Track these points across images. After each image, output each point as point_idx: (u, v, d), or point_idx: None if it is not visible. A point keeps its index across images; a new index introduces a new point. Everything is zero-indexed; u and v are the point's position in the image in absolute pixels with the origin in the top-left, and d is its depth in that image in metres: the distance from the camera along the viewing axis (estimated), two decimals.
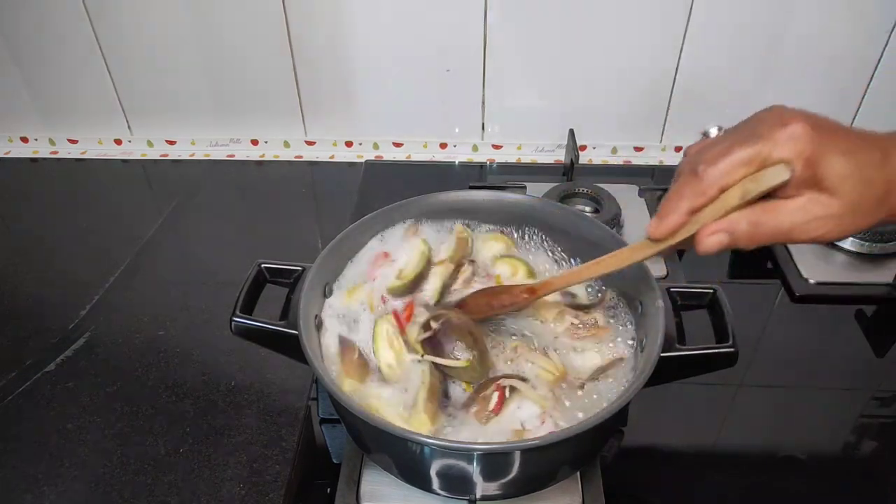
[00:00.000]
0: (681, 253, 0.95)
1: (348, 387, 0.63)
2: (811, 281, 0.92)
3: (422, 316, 0.68)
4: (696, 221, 0.51)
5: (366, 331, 0.67)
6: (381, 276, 0.72)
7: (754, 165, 0.49)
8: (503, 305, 0.67)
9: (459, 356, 0.62)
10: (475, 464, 0.56)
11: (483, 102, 1.15)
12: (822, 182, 0.48)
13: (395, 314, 0.68)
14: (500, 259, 0.75)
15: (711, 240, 0.50)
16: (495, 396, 0.61)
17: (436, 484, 0.60)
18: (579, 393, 0.62)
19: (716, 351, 0.63)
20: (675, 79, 1.09)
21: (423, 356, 0.64)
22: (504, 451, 0.56)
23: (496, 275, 0.74)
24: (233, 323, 0.65)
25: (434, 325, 0.64)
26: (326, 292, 0.70)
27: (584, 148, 1.16)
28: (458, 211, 0.80)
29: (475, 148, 1.21)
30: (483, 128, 1.19)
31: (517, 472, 0.57)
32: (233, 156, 1.23)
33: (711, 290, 0.68)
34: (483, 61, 1.10)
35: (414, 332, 0.66)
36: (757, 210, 0.50)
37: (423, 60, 1.10)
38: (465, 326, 0.64)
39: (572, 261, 0.77)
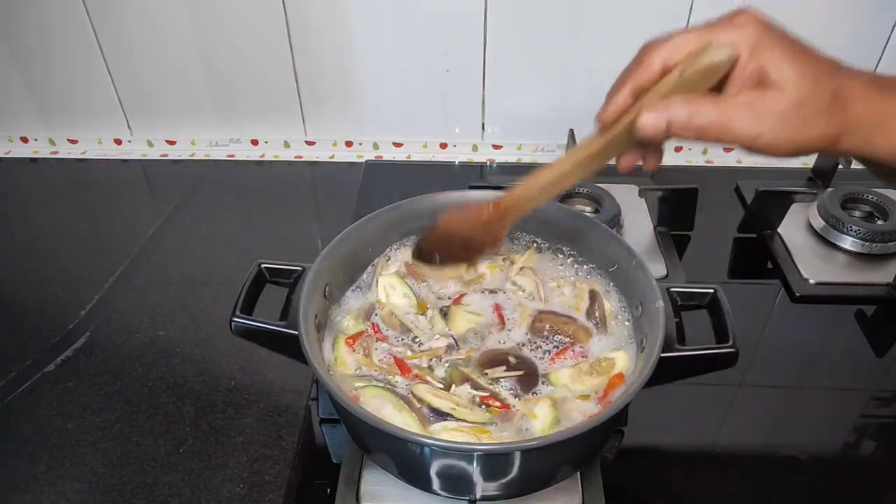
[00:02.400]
0: (681, 253, 0.95)
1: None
2: (811, 281, 0.92)
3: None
4: (639, 105, 0.50)
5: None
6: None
7: (698, 45, 0.49)
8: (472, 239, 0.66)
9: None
10: (475, 464, 0.56)
11: (483, 102, 1.15)
12: (766, 77, 0.47)
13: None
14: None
15: (647, 118, 0.48)
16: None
17: (436, 484, 0.60)
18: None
19: (716, 351, 0.63)
20: None
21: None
22: (504, 451, 0.56)
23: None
24: (233, 323, 0.65)
25: None
26: (326, 293, 0.70)
27: None
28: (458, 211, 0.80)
29: (475, 148, 1.21)
30: (483, 128, 1.19)
31: (517, 472, 0.57)
32: (233, 156, 1.23)
33: (711, 290, 0.68)
34: (483, 61, 1.10)
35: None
36: (697, 96, 0.48)
37: (423, 60, 1.10)
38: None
39: (573, 261, 0.77)
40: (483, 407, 0.62)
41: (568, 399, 0.63)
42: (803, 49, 0.48)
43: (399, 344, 0.69)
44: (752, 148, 0.48)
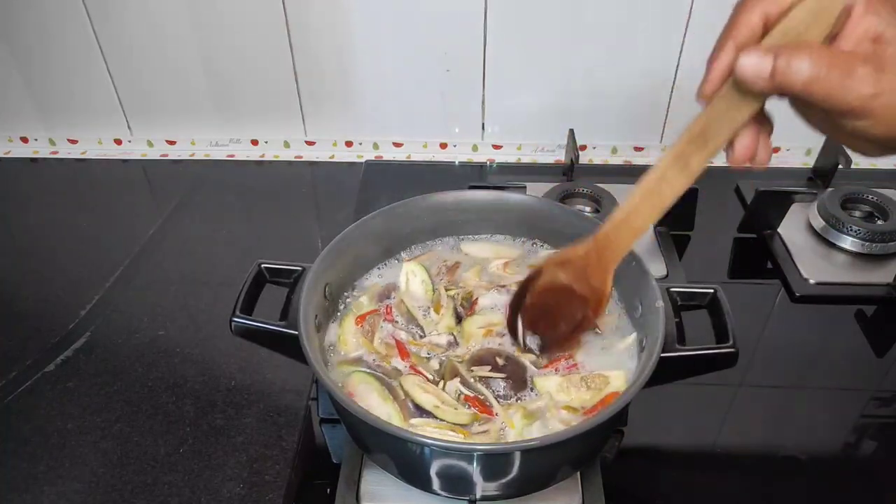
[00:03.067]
0: (681, 253, 0.95)
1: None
2: (811, 281, 0.92)
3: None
4: None
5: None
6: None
7: None
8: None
9: None
10: (475, 464, 0.56)
11: (483, 102, 1.15)
12: (882, 36, 0.41)
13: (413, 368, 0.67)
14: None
15: (749, 59, 0.41)
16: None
17: (436, 484, 0.60)
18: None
19: (716, 351, 0.63)
20: (675, 78, 1.09)
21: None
22: (504, 451, 0.56)
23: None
24: (233, 323, 0.65)
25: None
26: (326, 293, 0.70)
27: (584, 148, 1.16)
28: (458, 211, 0.80)
29: (475, 148, 1.21)
30: (483, 128, 1.19)
31: (517, 472, 0.57)
32: (233, 156, 1.23)
33: (711, 290, 0.68)
34: (483, 61, 1.10)
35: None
36: (809, 42, 0.41)
37: (423, 60, 1.10)
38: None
39: None
40: (467, 406, 0.62)
41: (549, 409, 0.62)
42: None
43: (404, 329, 0.70)
44: (862, 112, 0.41)
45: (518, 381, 0.65)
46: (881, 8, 0.41)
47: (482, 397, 0.63)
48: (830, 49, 0.42)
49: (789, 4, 0.42)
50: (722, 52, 0.45)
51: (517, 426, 0.60)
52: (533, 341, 0.66)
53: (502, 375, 0.64)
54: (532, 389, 0.65)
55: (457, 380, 0.64)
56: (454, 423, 0.60)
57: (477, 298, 0.73)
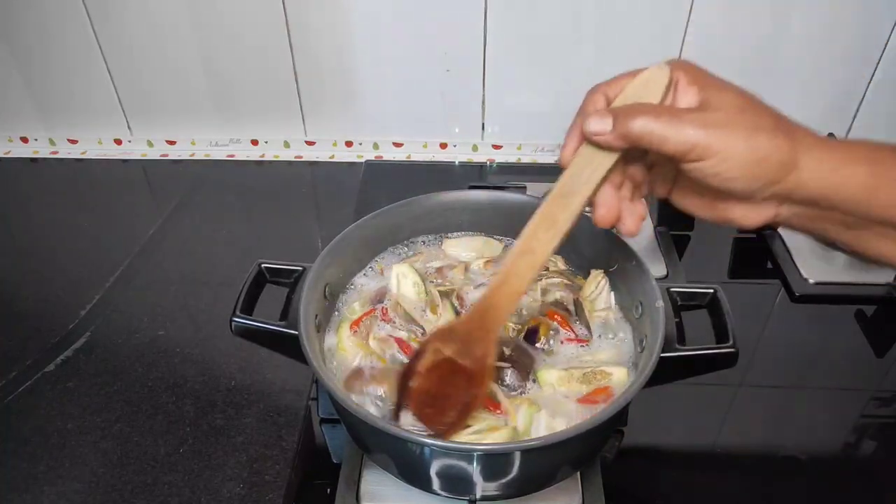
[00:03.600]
0: (681, 253, 0.95)
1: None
2: (811, 281, 0.92)
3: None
4: None
5: None
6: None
7: (636, 74, 0.51)
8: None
9: None
10: (475, 464, 0.56)
11: (483, 102, 1.15)
12: (708, 103, 0.48)
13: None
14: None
15: (594, 118, 0.50)
16: None
17: (436, 484, 0.60)
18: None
19: (716, 351, 0.63)
20: None
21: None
22: (504, 451, 0.56)
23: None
24: (233, 323, 0.65)
25: None
26: (326, 293, 0.70)
27: None
28: (458, 211, 0.80)
29: (475, 148, 1.21)
30: (483, 128, 1.19)
31: (517, 472, 0.57)
32: (233, 156, 1.23)
33: (711, 290, 0.68)
34: (483, 61, 1.10)
35: None
36: (643, 102, 0.49)
37: (423, 60, 1.10)
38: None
39: (572, 261, 0.77)
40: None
41: (554, 399, 0.63)
42: (738, 90, 0.49)
43: (404, 329, 0.69)
44: (703, 150, 0.46)
45: (524, 371, 0.65)
46: (700, 79, 0.49)
47: (490, 393, 0.62)
48: (662, 105, 0.49)
49: (625, 84, 0.51)
50: (575, 125, 0.53)
51: (520, 419, 0.60)
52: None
53: (507, 365, 0.64)
54: (535, 381, 0.65)
55: None
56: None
57: (463, 297, 0.73)
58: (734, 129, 0.46)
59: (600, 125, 0.49)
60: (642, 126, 0.47)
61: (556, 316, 0.70)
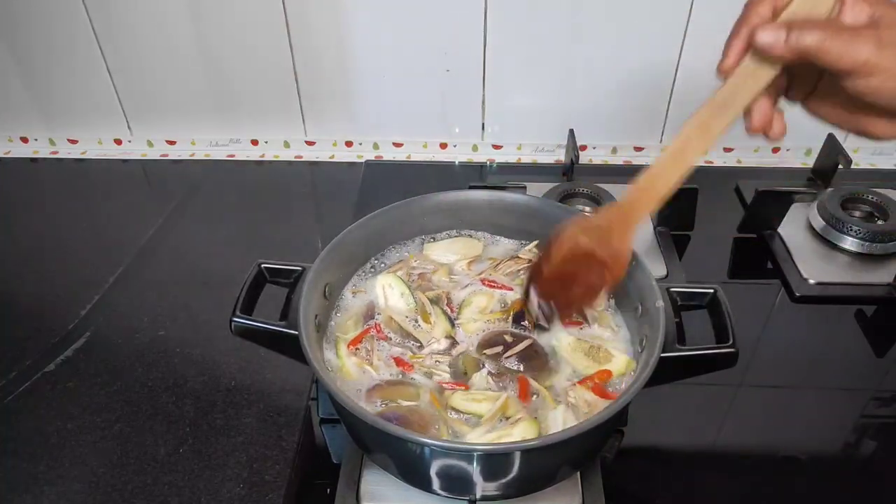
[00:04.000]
0: (681, 253, 0.95)
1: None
2: (811, 281, 0.92)
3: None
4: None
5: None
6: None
7: None
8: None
9: None
10: (475, 464, 0.56)
11: (483, 102, 1.15)
12: (880, 19, 0.47)
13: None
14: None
15: (766, 31, 0.47)
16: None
17: (436, 484, 0.60)
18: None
19: (716, 351, 0.63)
20: (675, 78, 1.09)
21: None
22: (504, 451, 0.56)
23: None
24: (233, 323, 0.65)
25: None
26: (326, 293, 0.70)
27: (584, 148, 1.16)
28: (458, 211, 0.80)
29: (475, 148, 1.21)
30: (483, 128, 1.19)
31: (517, 472, 0.57)
32: (233, 156, 1.23)
33: (711, 290, 0.68)
34: (483, 61, 1.10)
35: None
36: (823, 21, 0.47)
37: (423, 60, 1.10)
38: None
39: None
40: (507, 389, 0.63)
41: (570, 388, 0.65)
42: None
43: (401, 345, 0.69)
44: (871, 68, 0.46)
45: (533, 353, 0.66)
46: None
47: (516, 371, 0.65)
48: (835, 20, 0.48)
49: None
50: (738, 35, 0.50)
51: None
52: (542, 314, 0.67)
53: (517, 351, 0.66)
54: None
55: (484, 370, 0.64)
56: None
57: (452, 300, 0.73)
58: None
59: (773, 37, 0.47)
60: (818, 41, 0.46)
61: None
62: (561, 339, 0.68)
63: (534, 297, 0.66)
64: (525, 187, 1.02)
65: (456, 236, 0.81)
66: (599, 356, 0.66)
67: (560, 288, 0.64)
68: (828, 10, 0.48)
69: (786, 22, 0.48)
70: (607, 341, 0.69)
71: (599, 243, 0.61)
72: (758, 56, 0.49)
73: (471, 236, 0.81)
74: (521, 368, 0.65)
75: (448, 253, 0.78)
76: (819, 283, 0.92)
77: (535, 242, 0.79)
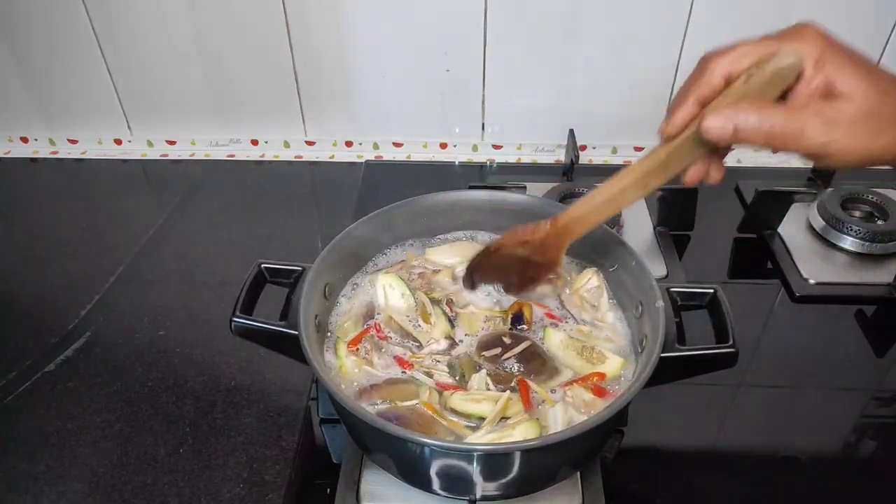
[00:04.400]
0: (681, 253, 0.95)
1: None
2: (811, 281, 0.92)
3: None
4: (703, 114, 0.49)
5: None
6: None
7: (761, 55, 0.48)
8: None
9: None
10: (475, 464, 0.56)
11: (483, 102, 1.15)
12: (833, 88, 0.46)
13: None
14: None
15: (714, 121, 0.47)
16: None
17: (436, 484, 0.60)
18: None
19: (716, 351, 0.63)
20: (675, 78, 1.09)
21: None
22: (504, 451, 0.56)
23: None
24: (233, 323, 0.65)
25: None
26: (326, 293, 0.70)
27: (584, 148, 1.16)
28: (458, 211, 0.80)
29: (475, 148, 1.21)
30: (483, 128, 1.19)
31: (517, 472, 0.57)
32: (233, 156, 1.23)
33: (711, 290, 0.68)
34: (483, 61, 1.10)
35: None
36: (765, 102, 0.48)
37: (423, 60, 1.10)
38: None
39: (571, 261, 0.77)
40: (508, 391, 0.63)
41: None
42: (867, 62, 0.48)
43: (400, 345, 0.69)
44: (821, 156, 0.47)
45: (532, 354, 0.66)
46: (830, 64, 0.47)
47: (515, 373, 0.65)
48: (785, 109, 0.47)
49: (747, 66, 0.48)
50: (685, 101, 0.50)
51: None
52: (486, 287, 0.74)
53: (515, 352, 0.66)
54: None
55: (483, 372, 0.64)
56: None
57: (450, 299, 0.73)
58: (860, 127, 0.46)
59: (720, 128, 0.47)
60: (767, 135, 0.47)
61: (539, 305, 0.72)
62: (553, 336, 0.68)
63: (474, 280, 0.72)
64: (525, 187, 1.02)
65: (456, 240, 0.81)
66: (593, 357, 0.66)
67: (499, 276, 0.71)
68: (781, 90, 0.48)
69: (733, 107, 0.47)
70: (600, 341, 0.69)
71: (535, 253, 0.65)
72: (703, 137, 0.49)
73: (473, 239, 0.81)
74: (520, 370, 0.65)
75: (449, 256, 0.78)
76: (819, 283, 0.91)
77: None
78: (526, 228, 0.65)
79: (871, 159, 0.47)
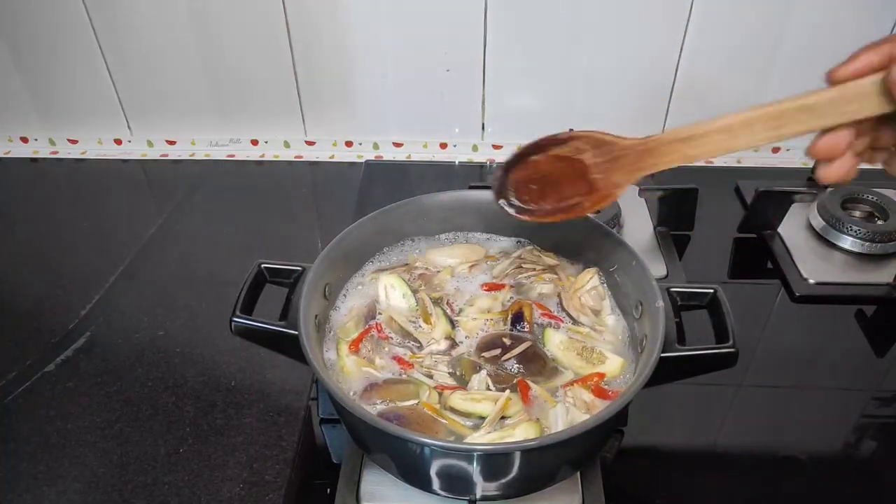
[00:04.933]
0: (681, 253, 0.95)
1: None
2: (811, 281, 0.92)
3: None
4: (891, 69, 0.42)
5: None
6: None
7: None
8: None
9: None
10: (475, 464, 0.56)
11: (483, 102, 1.15)
12: None
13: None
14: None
15: None
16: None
17: (436, 484, 0.60)
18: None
19: (716, 351, 0.63)
20: (675, 78, 1.09)
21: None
22: (504, 451, 0.56)
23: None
24: (233, 323, 0.65)
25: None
26: (326, 293, 0.70)
27: None
28: (458, 211, 0.80)
29: (475, 148, 1.21)
30: (483, 128, 1.19)
31: (517, 472, 0.57)
32: (233, 156, 1.23)
33: (711, 290, 0.68)
34: (483, 61, 1.10)
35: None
36: None
37: (423, 60, 1.10)
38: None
39: (573, 262, 0.77)
40: (507, 390, 0.63)
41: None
42: None
43: (401, 345, 0.69)
44: None
45: (532, 355, 0.66)
46: None
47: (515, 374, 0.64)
48: None
49: None
50: (877, 49, 0.44)
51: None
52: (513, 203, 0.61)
53: (515, 353, 0.66)
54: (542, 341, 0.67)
55: (483, 372, 0.64)
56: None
57: (451, 300, 0.73)
58: None
59: None
60: None
61: (538, 305, 0.72)
62: (552, 337, 0.68)
63: (508, 181, 0.59)
64: None
65: (457, 241, 0.81)
66: (593, 357, 0.66)
67: (538, 186, 0.58)
68: None
69: None
70: (600, 341, 0.69)
71: (600, 166, 0.54)
72: (882, 85, 0.43)
73: (477, 242, 0.81)
74: (520, 371, 0.65)
75: (450, 257, 0.78)
76: (819, 283, 0.91)
77: (530, 248, 0.79)
78: (608, 133, 0.53)
79: None
